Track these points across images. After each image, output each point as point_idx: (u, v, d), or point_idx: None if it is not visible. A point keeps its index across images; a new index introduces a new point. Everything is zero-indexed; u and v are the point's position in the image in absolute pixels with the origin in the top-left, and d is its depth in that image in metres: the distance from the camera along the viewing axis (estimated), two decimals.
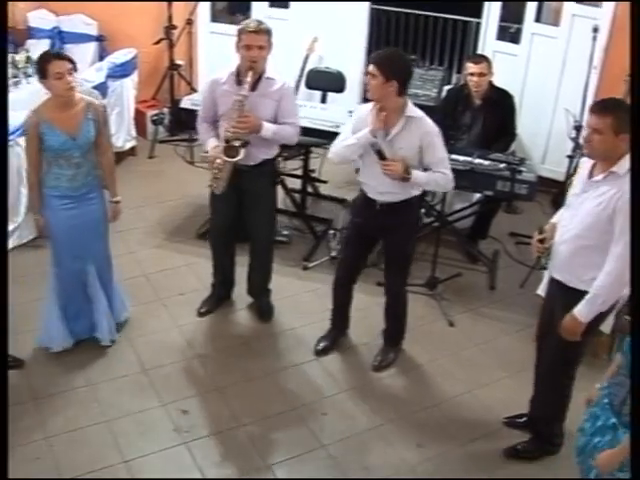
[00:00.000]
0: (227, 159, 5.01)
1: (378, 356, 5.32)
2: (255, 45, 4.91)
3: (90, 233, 5.02)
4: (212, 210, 5.55)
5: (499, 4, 7.51)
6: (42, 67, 4.62)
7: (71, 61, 4.64)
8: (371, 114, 4.63)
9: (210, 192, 5.34)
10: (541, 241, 4.16)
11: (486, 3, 7.56)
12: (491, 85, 6.42)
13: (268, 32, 4.97)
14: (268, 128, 5.04)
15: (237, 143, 4.98)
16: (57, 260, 5.06)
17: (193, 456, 4.50)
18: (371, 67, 4.52)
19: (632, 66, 4.06)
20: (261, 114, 5.03)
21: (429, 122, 4.66)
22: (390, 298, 5.23)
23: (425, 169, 4.71)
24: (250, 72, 4.92)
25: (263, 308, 5.78)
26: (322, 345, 5.41)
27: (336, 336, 5.47)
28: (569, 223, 4.02)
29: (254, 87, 5.00)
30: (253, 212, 5.40)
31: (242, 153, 4.99)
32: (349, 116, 6.01)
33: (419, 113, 4.66)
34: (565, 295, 4.10)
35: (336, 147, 4.87)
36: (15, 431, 4.56)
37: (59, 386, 5.01)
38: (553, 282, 4.24)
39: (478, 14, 7.72)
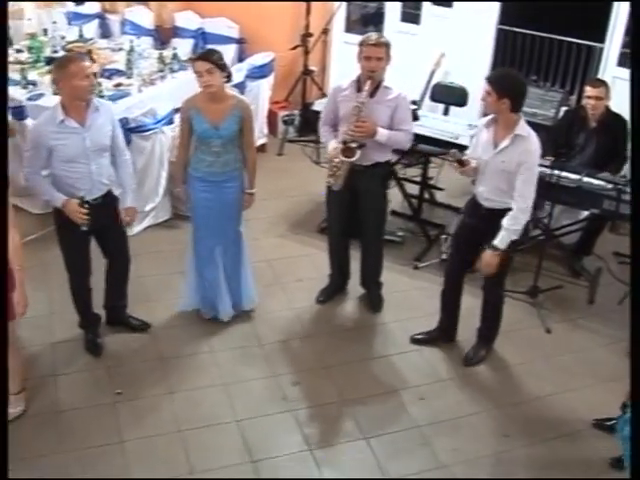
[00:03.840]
0: (344, 159, 5.45)
1: (470, 352, 5.68)
2: (374, 57, 5.32)
3: (223, 218, 5.52)
4: (328, 207, 6.00)
5: (622, 30, 7.74)
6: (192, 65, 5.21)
7: (212, 62, 5.04)
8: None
9: (326, 190, 5.80)
10: None
11: (610, 29, 7.81)
12: (607, 109, 6.64)
13: (387, 45, 5.37)
14: (383, 133, 5.44)
15: (354, 145, 5.41)
16: (194, 235, 5.62)
17: (298, 423, 4.99)
18: (486, 85, 4.89)
19: (632, 67, 4.31)
20: (377, 120, 5.44)
21: (534, 142, 4.98)
22: (486, 300, 5.56)
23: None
24: (369, 81, 5.35)
25: (373, 299, 6.21)
26: (420, 337, 5.82)
27: (437, 337, 5.82)
28: None
29: (372, 95, 5.41)
30: (365, 210, 5.80)
31: (358, 154, 5.41)
32: (468, 129, 6.45)
33: (528, 132, 4.98)
34: None
35: None
36: (141, 384, 5.25)
37: (183, 350, 5.60)
38: None
39: (602, 39, 7.97)
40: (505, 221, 5.00)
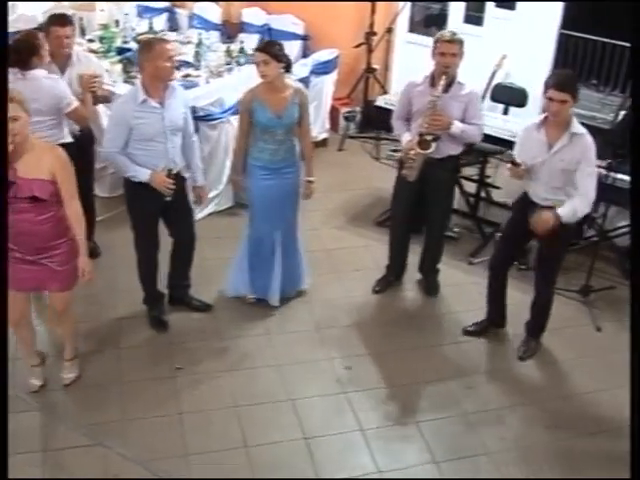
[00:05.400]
0: (420, 151, 5.63)
1: (522, 347, 5.77)
2: (449, 53, 5.51)
3: (282, 203, 5.71)
4: (396, 199, 6.18)
5: None
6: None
7: (268, 53, 5.23)
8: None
9: (396, 182, 6.01)
10: None
11: None
12: None
13: (461, 42, 5.56)
14: (458, 126, 5.63)
15: (429, 137, 5.59)
16: (251, 222, 5.81)
17: (350, 404, 5.17)
18: (561, 94, 4.88)
19: (633, 68, 4.37)
20: (451, 114, 5.62)
21: (590, 139, 5.07)
22: (539, 295, 5.64)
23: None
24: (443, 76, 5.51)
25: (431, 284, 6.42)
26: (471, 329, 5.94)
27: (486, 326, 5.93)
28: None
29: (446, 90, 5.58)
30: (433, 200, 6.01)
31: (433, 146, 5.60)
32: None
33: (582, 129, 5.08)
34: None
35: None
36: (200, 361, 5.50)
37: (241, 331, 5.83)
38: None
39: None
40: (570, 205, 5.06)
